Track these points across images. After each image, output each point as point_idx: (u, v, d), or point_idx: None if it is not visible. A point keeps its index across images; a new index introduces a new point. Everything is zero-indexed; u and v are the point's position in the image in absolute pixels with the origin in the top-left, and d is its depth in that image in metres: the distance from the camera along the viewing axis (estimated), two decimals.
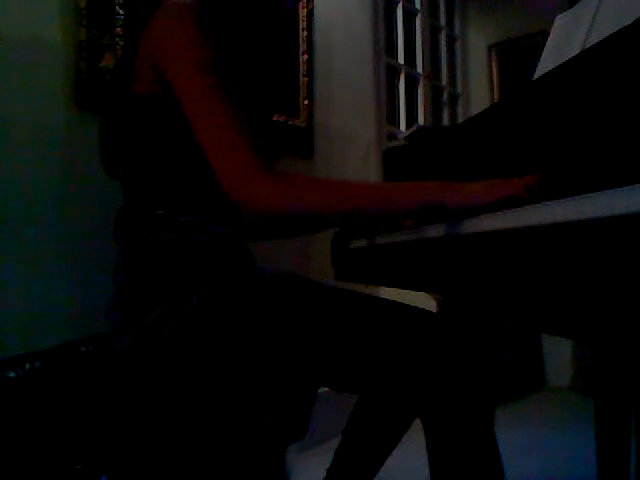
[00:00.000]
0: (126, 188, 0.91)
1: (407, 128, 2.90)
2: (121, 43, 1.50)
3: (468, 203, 0.72)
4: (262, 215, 0.75)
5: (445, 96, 3.40)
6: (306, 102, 2.19)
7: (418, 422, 0.80)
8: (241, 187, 0.75)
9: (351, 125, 2.45)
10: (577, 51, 0.99)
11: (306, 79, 2.20)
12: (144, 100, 0.85)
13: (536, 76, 1.11)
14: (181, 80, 0.80)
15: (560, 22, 1.16)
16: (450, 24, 3.49)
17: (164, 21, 0.82)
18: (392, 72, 2.92)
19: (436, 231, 0.80)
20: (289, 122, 2.10)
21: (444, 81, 3.41)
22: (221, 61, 0.81)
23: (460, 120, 3.42)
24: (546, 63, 1.13)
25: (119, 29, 1.51)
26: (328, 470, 1.04)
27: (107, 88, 1.43)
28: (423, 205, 0.76)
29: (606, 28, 0.94)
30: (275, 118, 2.04)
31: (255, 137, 0.78)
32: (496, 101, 3.26)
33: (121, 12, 1.51)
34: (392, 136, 2.77)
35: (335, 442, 1.05)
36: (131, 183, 0.90)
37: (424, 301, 1.20)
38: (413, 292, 1.03)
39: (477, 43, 3.47)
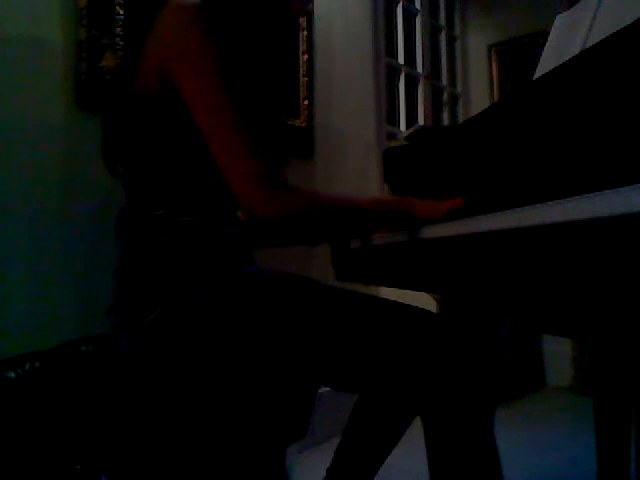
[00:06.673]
0: (127, 189, 0.91)
1: (407, 128, 2.90)
2: (121, 43, 1.50)
3: (433, 214, 0.87)
4: (272, 220, 0.78)
5: (445, 96, 3.40)
6: (306, 102, 2.19)
7: (418, 422, 0.80)
8: (252, 194, 0.78)
9: (351, 125, 2.45)
10: (577, 51, 0.99)
11: (306, 79, 2.20)
12: (145, 101, 0.85)
13: (536, 76, 1.11)
14: (191, 87, 0.79)
15: (560, 22, 1.16)
16: (450, 24, 3.49)
17: (171, 23, 0.81)
18: (392, 72, 2.91)
19: (436, 231, 0.80)
20: (289, 122, 2.10)
21: (444, 81, 3.41)
22: (231, 65, 0.80)
23: (460, 120, 3.42)
24: (546, 63, 1.12)
25: (119, 29, 1.51)
26: (328, 470, 1.04)
27: (108, 88, 1.43)
28: (399, 211, 0.92)
29: (606, 28, 0.94)
30: None
31: (265, 145, 0.81)
32: (496, 101, 3.26)
33: (121, 12, 1.51)
34: (392, 136, 2.77)
35: (335, 442, 1.05)
36: (132, 183, 0.90)
37: (424, 301, 1.20)
38: (413, 292, 1.03)
39: (477, 43, 3.47)
